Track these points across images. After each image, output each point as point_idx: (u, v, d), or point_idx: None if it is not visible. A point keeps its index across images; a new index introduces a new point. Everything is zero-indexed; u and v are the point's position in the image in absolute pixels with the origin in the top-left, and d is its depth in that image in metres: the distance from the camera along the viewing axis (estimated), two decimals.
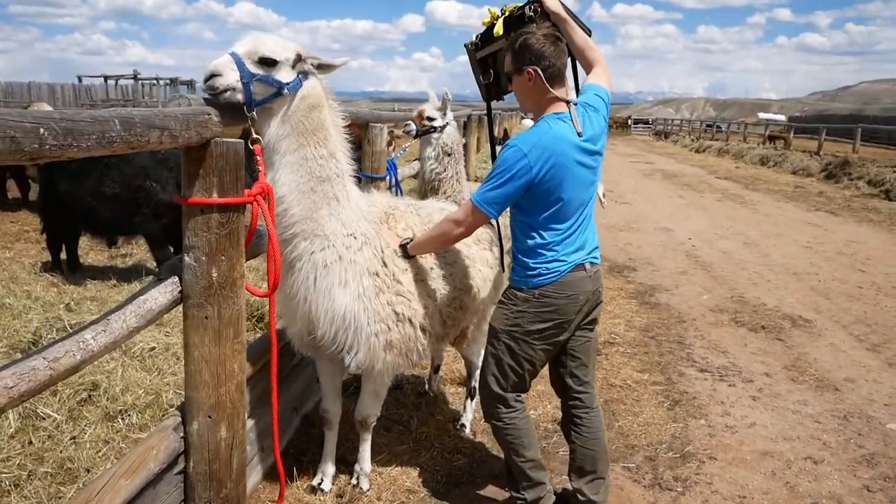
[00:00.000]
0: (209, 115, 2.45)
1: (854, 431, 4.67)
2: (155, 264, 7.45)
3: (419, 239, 3.25)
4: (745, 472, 4.10)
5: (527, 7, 3.16)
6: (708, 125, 55.16)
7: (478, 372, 4.29)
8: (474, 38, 3.46)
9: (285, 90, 2.73)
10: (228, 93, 2.63)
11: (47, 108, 11.23)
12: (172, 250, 7.26)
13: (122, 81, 37.13)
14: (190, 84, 40.45)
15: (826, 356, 6.14)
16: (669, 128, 60.16)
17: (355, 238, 3.02)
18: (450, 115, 4.99)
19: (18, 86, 32.76)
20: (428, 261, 3.37)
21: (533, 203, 2.97)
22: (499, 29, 3.26)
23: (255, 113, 2.69)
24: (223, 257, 2.54)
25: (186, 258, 2.54)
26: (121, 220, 7.04)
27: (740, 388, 5.35)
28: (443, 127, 4.86)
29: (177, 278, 2.58)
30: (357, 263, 3.02)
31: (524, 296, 3.07)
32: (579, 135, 2.91)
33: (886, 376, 5.72)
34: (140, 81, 37.51)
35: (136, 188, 6.83)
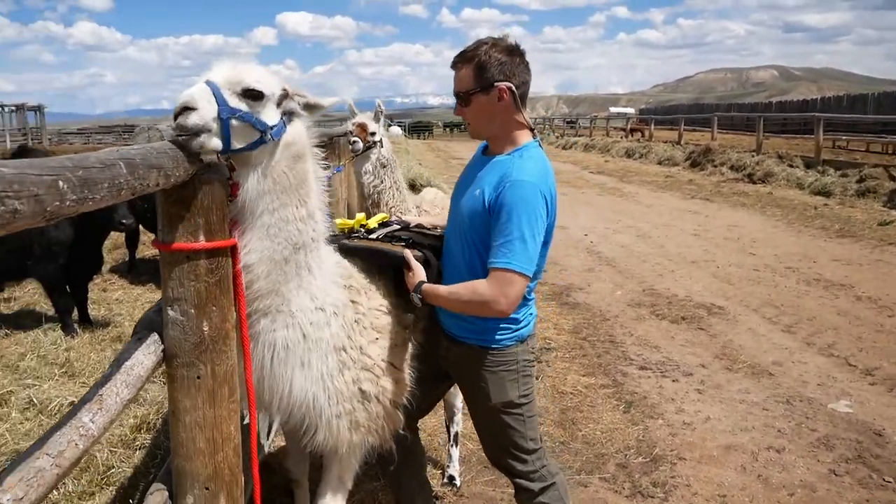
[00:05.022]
0: None
1: (801, 415, 4.85)
2: (51, 308, 6.65)
3: (444, 289, 2.60)
4: (717, 469, 4.14)
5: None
6: (569, 122, 57.34)
7: (458, 415, 4.01)
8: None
9: (269, 135, 2.21)
10: (204, 135, 2.06)
11: None
12: (70, 291, 6.53)
13: None
14: (38, 109, 37.54)
15: (749, 342, 6.39)
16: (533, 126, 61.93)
17: (324, 311, 2.50)
18: (382, 125, 4.77)
19: None
20: (400, 327, 2.83)
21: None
22: (373, 224, 3.11)
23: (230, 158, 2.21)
24: (214, 308, 2.19)
25: (171, 312, 2.18)
26: (9, 265, 6.26)
27: (684, 383, 5.45)
28: (381, 140, 4.64)
29: (156, 336, 2.22)
30: (322, 341, 2.50)
31: (521, 348, 2.72)
32: None
33: (808, 356, 6.02)
34: None
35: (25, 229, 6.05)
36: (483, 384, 2.71)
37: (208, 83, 2.14)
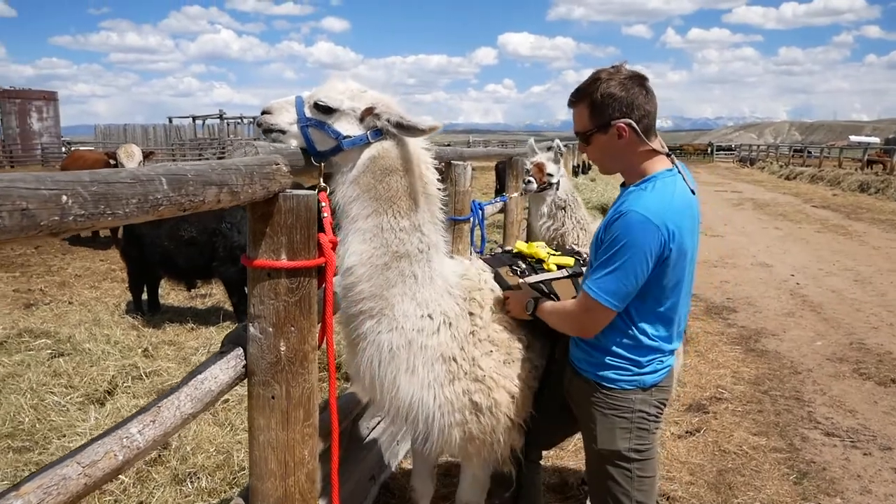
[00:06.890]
0: (277, 164, 2.13)
1: None
2: (232, 308, 7.28)
3: (550, 306, 2.65)
4: None
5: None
6: (797, 150, 52.69)
7: None
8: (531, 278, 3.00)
9: (344, 144, 2.44)
10: (275, 134, 2.49)
11: (136, 149, 11.53)
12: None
13: (209, 121, 38.65)
14: None
15: None
16: (755, 154, 57.90)
17: (432, 319, 2.58)
18: (561, 166, 4.61)
19: (115, 128, 35.85)
20: (520, 344, 2.78)
21: (652, 288, 2.38)
22: (551, 265, 3.08)
23: (322, 164, 2.50)
24: (293, 328, 2.19)
25: (251, 328, 2.21)
26: (197, 264, 6.93)
27: (878, 458, 4.64)
28: (558, 182, 4.48)
29: (241, 350, 2.25)
30: (429, 349, 2.58)
31: (641, 397, 2.49)
32: (693, 192, 2.43)
33: None
34: (225, 120, 38.91)
35: (212, 231, 6.69)
36: (592, 424, 2.54)
37: (297, 97, 2.52)
